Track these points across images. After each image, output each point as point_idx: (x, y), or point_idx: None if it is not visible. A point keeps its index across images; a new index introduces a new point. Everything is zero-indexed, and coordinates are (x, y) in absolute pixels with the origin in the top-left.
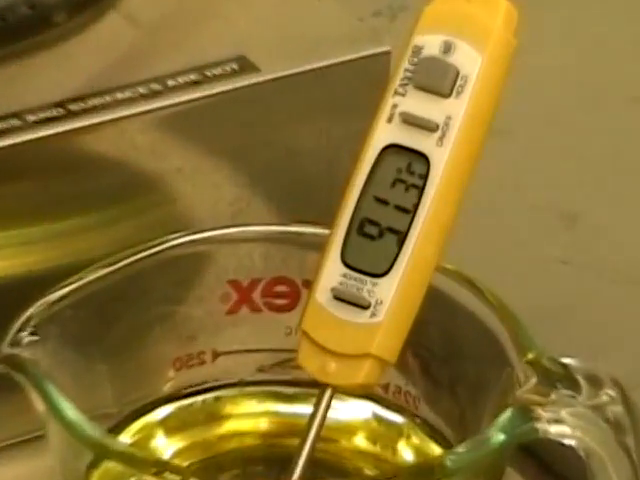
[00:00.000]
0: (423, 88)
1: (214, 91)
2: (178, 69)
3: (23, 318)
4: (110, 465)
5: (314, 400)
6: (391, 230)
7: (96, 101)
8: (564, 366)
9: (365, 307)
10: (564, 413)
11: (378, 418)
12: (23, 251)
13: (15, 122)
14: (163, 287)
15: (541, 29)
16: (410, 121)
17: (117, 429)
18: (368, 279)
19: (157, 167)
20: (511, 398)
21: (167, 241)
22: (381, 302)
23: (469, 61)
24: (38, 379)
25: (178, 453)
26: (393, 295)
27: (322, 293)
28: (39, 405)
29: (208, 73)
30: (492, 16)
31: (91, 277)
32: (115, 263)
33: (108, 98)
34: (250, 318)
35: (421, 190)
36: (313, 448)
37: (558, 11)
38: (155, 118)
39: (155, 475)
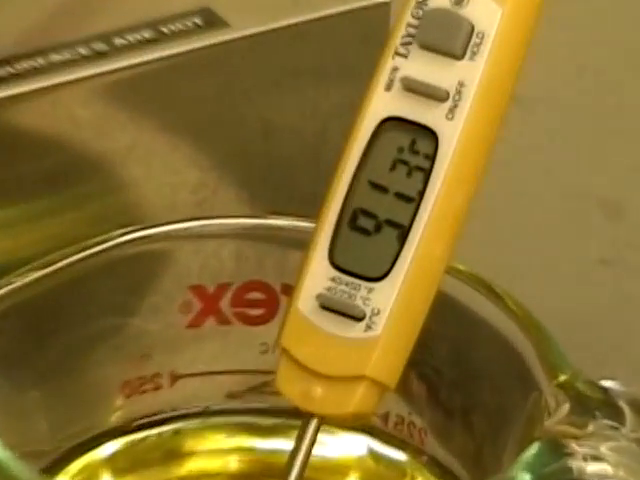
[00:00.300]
0: (430, 48)
1: (172, 52)
2: (128, 24)
3: None
4: None
5: (296, 433)
6: (391, 223)
7: (25, 64)
8: (604, 390)
9: (359, 318)
10: (604, 448)
11: (375, 455)
12: None
13: None
14: (109, 294)
15: None
16: (414, 88)
17: (53, 469)
18: (362, 284)
19: (102, 146)
20: (539, 430)
21: (114, 238)
22: (378, 312)
23: (486, 14)
24: None
25: None
26: (393, 303)
27: (306, 301)
28: None
29: (165, 29)
30: None
31: (20, 282)
32: (49, 265)
33: (40, 60)
34: (217, 332)
35: (427, 174)
36: None
37: None
38: (99, 86)
39: None
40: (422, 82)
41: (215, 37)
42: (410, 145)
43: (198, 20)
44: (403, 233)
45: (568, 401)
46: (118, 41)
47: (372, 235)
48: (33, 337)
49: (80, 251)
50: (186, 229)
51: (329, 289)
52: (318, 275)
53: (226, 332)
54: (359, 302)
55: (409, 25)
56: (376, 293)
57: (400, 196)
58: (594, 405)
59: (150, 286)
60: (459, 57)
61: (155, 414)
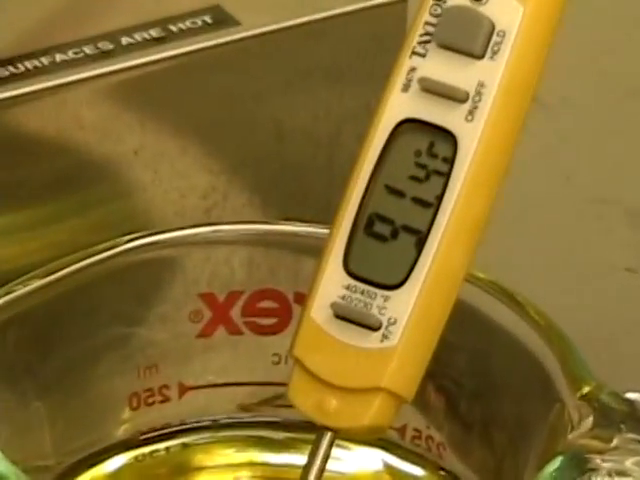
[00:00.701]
0: (449, 47)
1: (181, 51)
2: (135, 23)
3: None
4: None
5: (310, 448)
6: (408, 229)
7: (28, 64)
8: (629, 403)
9: (374, 328)
10: (629, 463)
11: (392, 470)
12: None
13: None
14: (116, 303)
15: None
16: (432, 89)
17: None
18: (378, 292)
19: (107, 149)
20: (561, 443)
21: (121, 244)
22: (395, 321)
23: (507, 12)
24: None
25: None
26: (410, 312)
27: (320, 310)
28: None
29: (173, 27)
30: None
31: (22, 291)
32: (53, 273)
33: (44, 60)
34: (228, 342)
35: (446, 178)
36: None
37: None
38: (105, 86)
39: None
40: (441, 82)
41: (225, 36)
42: (428, 148)
43: (208, 18)
44: (421, 239)
45: (592, 414)
46: (125, 40)
47: (388, 241)
48: (36, 348)
49: (85, 258)
50: (196, 235)
51: (344, 297)
52: (332, 283)
53: (237, 342)
54: (375, 311)
55: (427, 23)
56: (393, 302)
57: (418, 201)
58: (619, 418)
59: (158, 294)
60: (479, 56)
61: (163, 427)
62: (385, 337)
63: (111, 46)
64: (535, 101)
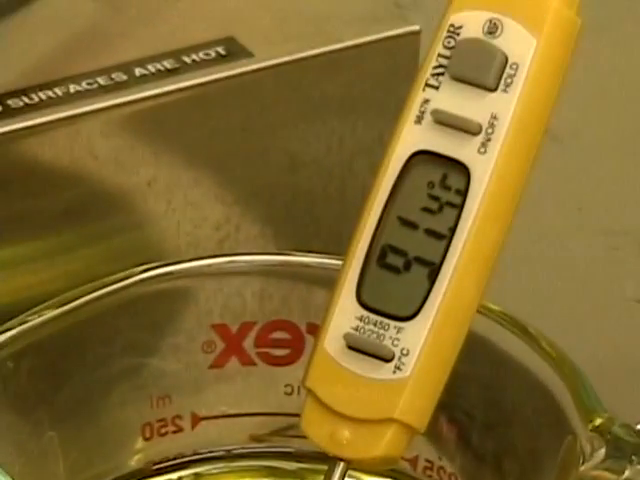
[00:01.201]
0: (462, 79)
1: (194, 82)
2: (148, 54)
3: None
4: None
5: (322, 478)
6: (421, 261)
7: (43, 95)
8: None
9: (387, 359)
10: None
11: None
12: None
13: None
14: (129, 334)
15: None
16: (445, 121)
17: None
18: (391, 323)
19: (121, 180)
20: (573, 475)
21: (134, 275)
22: (407, 353)
23: (520, 45)
24: None
25: None
26: (423, 344)
27: (332, 341)
28: None
29: (187, 59)
30: None
31: (36, 321)
32: (67, 303)
33: (58, 91)
34: (240, 373)
35: (459, 210)
36: None
37: None
38: (119, 117)
39: None
40: (454, 115)
41: (239, 67)
42: (441, 180)
43: (221, 50)
44: (434, 271)
45: (604, 446)
46: (138, 71)
47: (401, 273)
48: (50, 377)
49: (99, 288)
50: (208, 266)
51: (357, 328)
52: (345, 314)
53: (250, 373)
54: (388, 342)
55: (440, 55)
56: (405, 333)
57: (431, 233)
58: (631, 450)
59: (171, 325)
60: (492, 89)
61: (176, 457)
62: (398, 368)
63: (125, 77)
64: (547, 133)
